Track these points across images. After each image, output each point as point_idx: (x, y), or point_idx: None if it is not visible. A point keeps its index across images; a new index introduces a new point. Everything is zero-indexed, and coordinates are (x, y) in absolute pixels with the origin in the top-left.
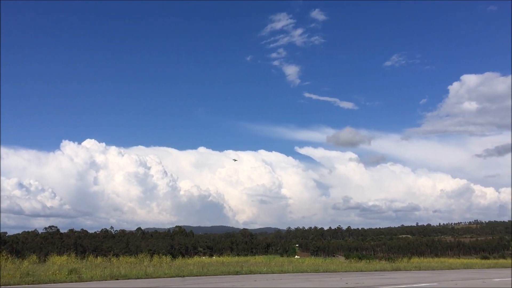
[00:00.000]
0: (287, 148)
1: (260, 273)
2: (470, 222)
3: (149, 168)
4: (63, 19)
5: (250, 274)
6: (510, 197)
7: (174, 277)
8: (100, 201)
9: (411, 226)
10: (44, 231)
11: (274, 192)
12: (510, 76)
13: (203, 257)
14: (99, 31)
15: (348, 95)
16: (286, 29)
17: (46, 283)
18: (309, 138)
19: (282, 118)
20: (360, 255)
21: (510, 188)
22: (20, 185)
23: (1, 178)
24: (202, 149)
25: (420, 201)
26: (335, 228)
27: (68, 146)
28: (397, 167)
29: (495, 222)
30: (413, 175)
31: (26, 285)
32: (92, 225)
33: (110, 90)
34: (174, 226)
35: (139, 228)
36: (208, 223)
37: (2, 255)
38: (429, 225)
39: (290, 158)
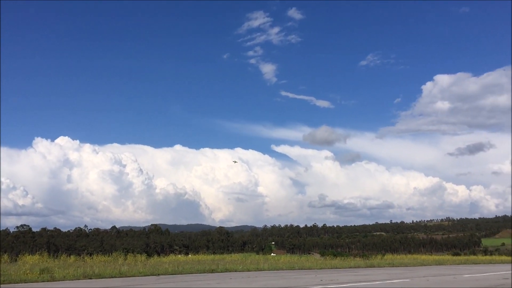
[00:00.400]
0: (264, 146)
1: (235, 271)
2: (442, 219)
3: (124, 166)
4: (43, 16)
5: (226, 272)
6: (481, 195)
7: (149, 275)
8: (74, 199)
9: (385, 223)
10: (15, 230)
11: (250, 190)
12: (481, 77)
13: (179, 256)
14: (71, 28)
15: (324, 94)
16: (263, 27)
17: (16, 282)
18: (285, 137)
19: (258, 116)
20: (335, 253)
21: (481, 186)
22: None
23: None
24: (178, 147)
25: (394, 199)
26: (310, 226)
27: (41, 144)
28: (371, 166)
29: (466, 219)
30: (387, 173)
31: None
32: (65, 223)
33: (83, 86)
34: (149, 224)
35: (113, 227)
36: (184, 221)
37: None
38: (402, 222)
39: (266, 156)
